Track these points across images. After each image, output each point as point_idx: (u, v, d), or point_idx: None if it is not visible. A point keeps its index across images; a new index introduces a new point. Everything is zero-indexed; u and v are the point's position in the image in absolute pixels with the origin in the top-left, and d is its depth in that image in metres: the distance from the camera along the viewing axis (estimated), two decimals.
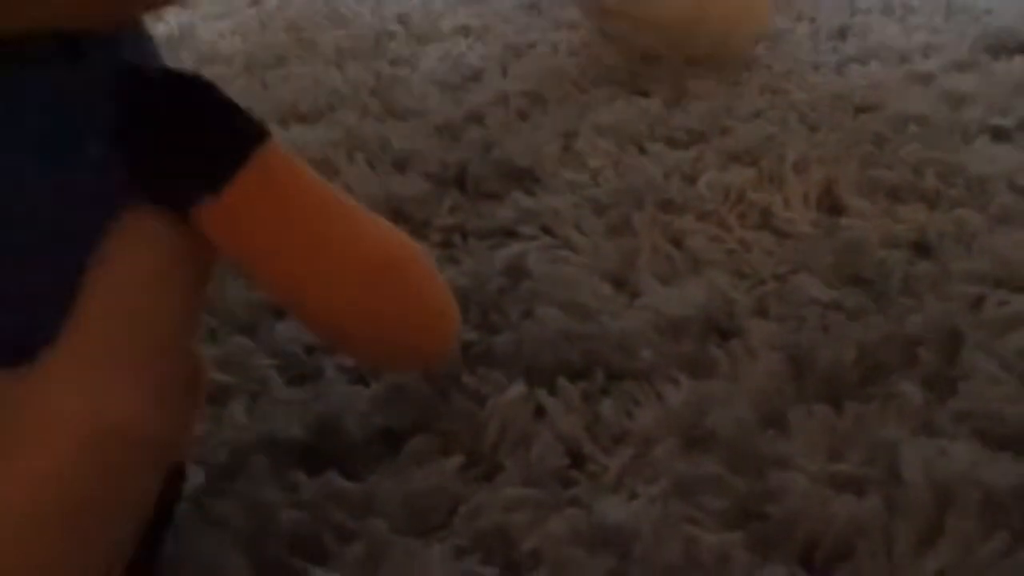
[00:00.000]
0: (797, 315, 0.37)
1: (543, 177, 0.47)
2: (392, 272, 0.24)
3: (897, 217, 0.44)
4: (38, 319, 0.21)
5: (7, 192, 0.20)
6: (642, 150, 0.50)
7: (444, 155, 0.49)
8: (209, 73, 0.23)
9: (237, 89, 0.56)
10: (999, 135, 0.52)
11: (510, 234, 0.43)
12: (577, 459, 0.31)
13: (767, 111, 0.55)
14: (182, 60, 0.61)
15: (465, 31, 0.69)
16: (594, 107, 0.56)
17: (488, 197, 0.46)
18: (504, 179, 0.47)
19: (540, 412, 0.32)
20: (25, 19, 0.19)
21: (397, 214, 0.44)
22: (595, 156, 0.50)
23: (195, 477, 0.29)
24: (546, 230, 0.43)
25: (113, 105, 0.21)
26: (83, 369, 0.21)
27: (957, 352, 0.34)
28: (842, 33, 0.69)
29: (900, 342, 0.34)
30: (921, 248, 0.41)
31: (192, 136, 0.22)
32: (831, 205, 0.45)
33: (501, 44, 0.66)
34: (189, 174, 0.22)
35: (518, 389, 0.32)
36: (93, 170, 0.21)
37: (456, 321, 0.25)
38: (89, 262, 0.21)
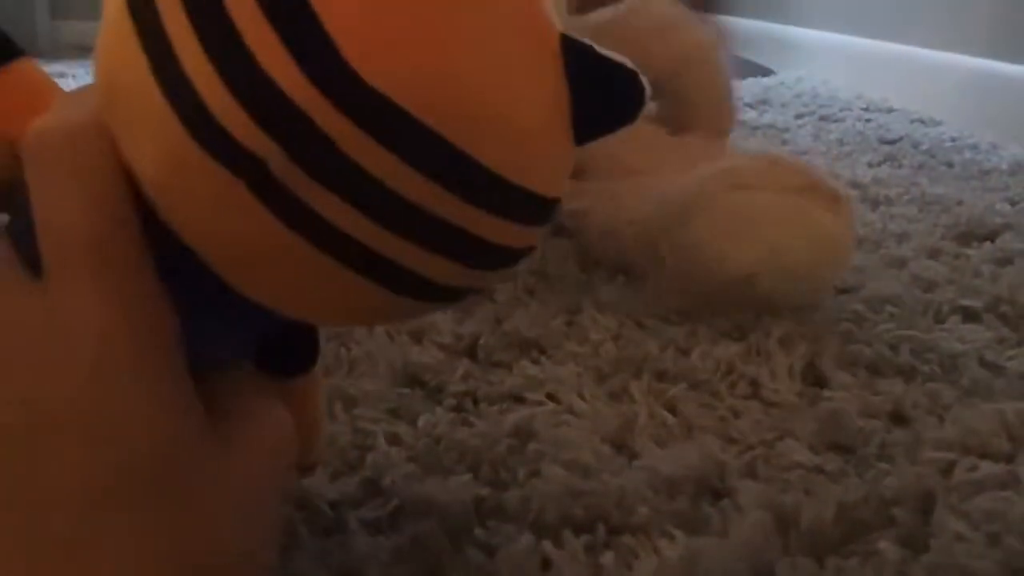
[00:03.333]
0: (783, 477, 0.39)
1: (549, 348, 0.51)
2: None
3: (875, 390, 0.47)
4: None
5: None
6: (640, 325, 0.54)
7: (457, 327, 0.53)
8: None
9: None
10: (969, 315, 0.57)
11: (518, 400, 0.46)
12: None
13: None
14: None
15: None
16: (595, 285, 0.60)
17: (498, 366, 0.50)
18: (512, 350, 0.51)
19: (546, 563, 0.34)
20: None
21: (413, 380, 0.47)
22: (596, 330, 0.54)
23: None
24: (551, 396, 0.46)
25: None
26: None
27: (930, 513, 0.37)
28: None
29: (877, 503, 0.37)
30: (897, 418, 0.45)
31: (294, 343, 0.30)
32: (814, 378, 0.49)
33: None
34: (287, 365, 0.31)
35: (526, 541, 0.35)
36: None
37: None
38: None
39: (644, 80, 0.23)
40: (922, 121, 1.18)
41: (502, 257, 0.23)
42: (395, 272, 0.22)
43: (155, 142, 0.20)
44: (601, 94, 0.23)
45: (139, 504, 0.21)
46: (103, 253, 0.22)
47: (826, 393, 0.47)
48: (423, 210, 0.20)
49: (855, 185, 0.86)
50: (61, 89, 0.26)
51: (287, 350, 0.30)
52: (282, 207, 0.20)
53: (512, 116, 0.21)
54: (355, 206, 0.20)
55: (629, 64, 0.23)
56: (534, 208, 0.23)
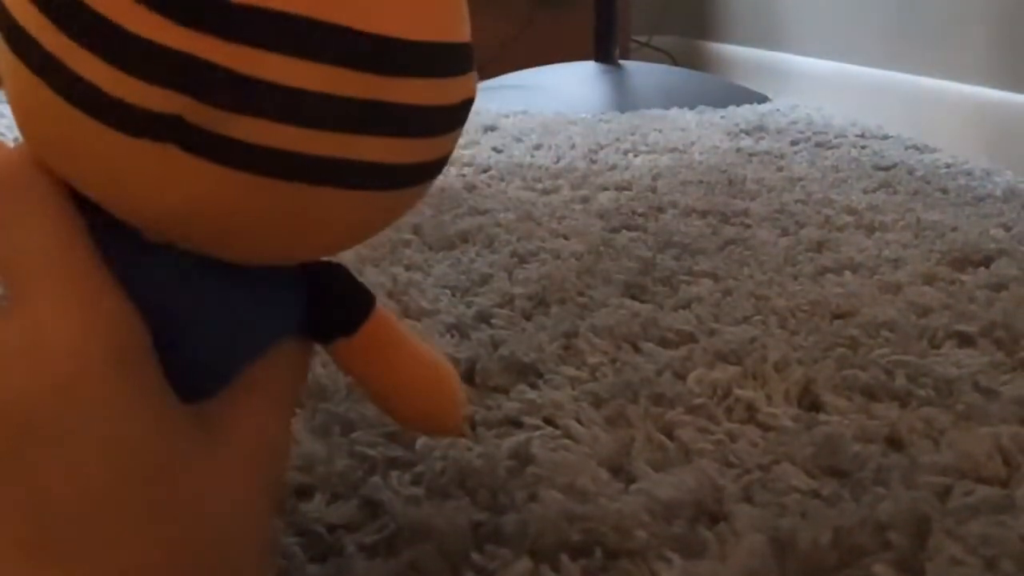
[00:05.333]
0: (779, 502, 0.39)
1: (546, 373, 0.52)
2: (441, 385, 0.33)
3: (871, 414, 0.47)
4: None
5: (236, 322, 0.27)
6: (636, 349, 0.55)
7: (454, 352, 0.53)
8: None
9: None
10: (964, 340, 0.57)
11: (516, 424, 0.46)
12: None
13: (751, 316, 0.60)
14: None
15: (473, 240, 0.75)
16: (592, 309, 0.60)
17: (495, 390, 0.50)
18: (510, 374, 0.51)
19: None
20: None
21: None
22: (593, 354, 0.54)
23: None
24: (548, 421, 0.46)
25: (305, 282, 0.30)
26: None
27: (926, 537, 0.37)
28: (819, 246, 0.75)
29: (873, 527, 0.37)
30: (893, 442, 0.45)
31: (341, 300, 0.31)
32: (810, 402, 0.49)
33: (507, 252, 0.72)
34: (337, 323, 0.31)
35: (523, 566, 0.35)
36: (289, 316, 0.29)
37: (463, 404, 0.35)
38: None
39: None
40: (917, 148, 1.18)
41: (440, 118, 0.24)
42: (350, 169, 0.22)
43: (92, 151, 0.22)
44: None
45: (131, 506, 0.22)
46: (65, 272, 0.23)
47: (822, 417, 0.47)
48: (339, 97, 0.21)
49: (850, 211, 0.87)
50: None
51: (329, 312, 0.31)
52: (217, 152, 0.21)
53: None
54: (279, 120, 0.21)
55: None
56: (441, 58, 0.23)
